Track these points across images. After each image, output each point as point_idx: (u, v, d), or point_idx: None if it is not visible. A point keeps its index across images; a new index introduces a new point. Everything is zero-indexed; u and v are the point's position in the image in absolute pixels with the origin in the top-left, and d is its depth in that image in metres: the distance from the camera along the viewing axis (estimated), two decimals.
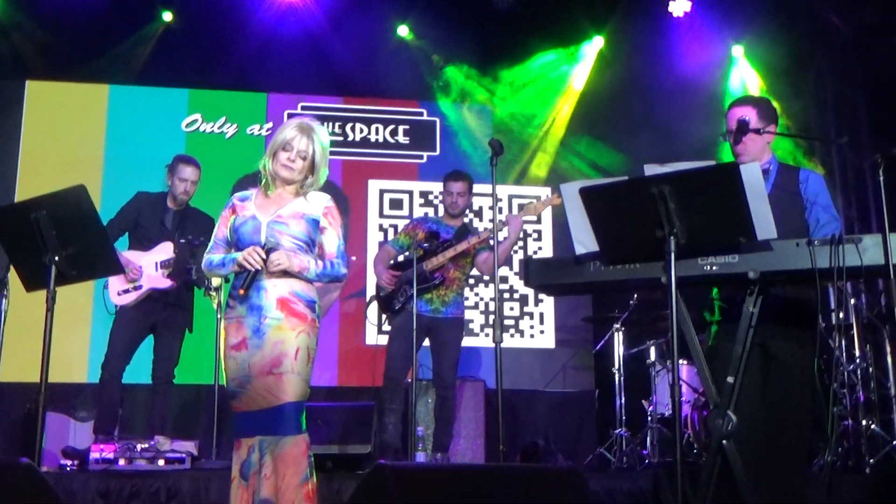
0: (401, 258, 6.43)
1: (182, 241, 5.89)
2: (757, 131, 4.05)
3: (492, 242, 6.02)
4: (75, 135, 8.13)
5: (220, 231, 4.06)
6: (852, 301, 6.55)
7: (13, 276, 4.96)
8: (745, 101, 4.30)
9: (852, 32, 8.13)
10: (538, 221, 8.58)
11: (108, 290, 6.02)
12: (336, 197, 4.18)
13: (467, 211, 8.35)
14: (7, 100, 8.14)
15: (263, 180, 4.04)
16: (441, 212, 6.64)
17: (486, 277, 8.17)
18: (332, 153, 8.37)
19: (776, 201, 3.60)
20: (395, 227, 8.10)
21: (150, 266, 5.98)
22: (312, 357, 3.89)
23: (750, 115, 4.11)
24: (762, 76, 8.55)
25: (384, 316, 6.34)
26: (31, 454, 3.69)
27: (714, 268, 3.63)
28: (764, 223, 3.48)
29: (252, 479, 3.76)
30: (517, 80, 8.67)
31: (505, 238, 5.98)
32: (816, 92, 8.44)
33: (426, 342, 6.20)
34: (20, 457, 3.47)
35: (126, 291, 5.98)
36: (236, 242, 3.97)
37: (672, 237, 3.43)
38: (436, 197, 8.34)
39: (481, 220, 8.42)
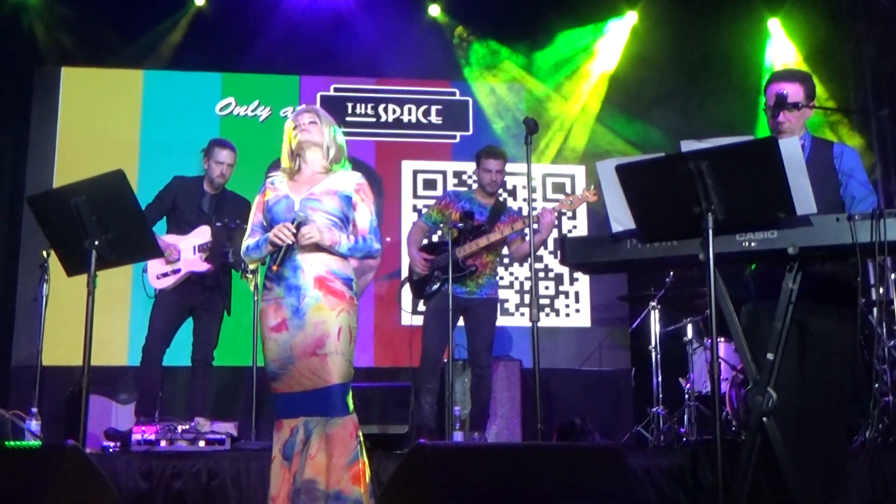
0: (435, 238, 6.43)
1: (218, 223, 5.94)
2: (796, 105, 3.99)
3: (526, 231, 6.02)
4: (111, 120, 8.20)
5: (256, 217, 4.09)
6: (892, 276, 6.47)
7: (53, 262, 5.05)
8: (790, 76, 4.21)
9: (891, 4, 7.99)
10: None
11: (147, 273, 6.09)
12: (369, 178, 4.19)
13: (502, 190, 8.38)
14: (43, 86, 8.22)
15: (290, 169, 4.07)
16: (474, 187, 6.62)
17: None
18: (364, 134, 8.48)
19: (811, 176, 3.56)
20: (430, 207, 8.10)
21: (188, 250, 6.04)
22: (354, 336, 3.91)
23: (795, 90, 4.05)
24: (799, 49, 8.42)
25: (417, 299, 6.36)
26: (75, 436, 3.74)
27: (753, 244, 3.60)
28: (803, 198, 3.45)
29: (295, 460, 3.79)
30: (550, 58, 8.62)
31: (536, 232, 5.97)
32: (854, 64, 8.31)
33: (460, 322, 6.21)
34: (63, 439, 3.52)
35: (165, 275, 6.04)
36: (270, 222, 3.99)
37: (710, 213, 3.41)
38: (469, 177, 8.33)
39: (515, 199, 8.39)
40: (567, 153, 8.60)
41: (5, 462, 2.85)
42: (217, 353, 6.22)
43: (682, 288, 6.98)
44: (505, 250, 6.45)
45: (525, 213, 6.45)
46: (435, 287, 6.12)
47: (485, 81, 8.63)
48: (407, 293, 6.63)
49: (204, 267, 6.03)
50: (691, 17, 8.37)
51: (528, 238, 6.07)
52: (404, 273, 6.86)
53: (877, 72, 8.22)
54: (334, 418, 3.78)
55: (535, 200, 5.78)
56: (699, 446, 6.19)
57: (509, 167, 7.73)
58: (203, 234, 6.04)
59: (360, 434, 3.88)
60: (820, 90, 7.01)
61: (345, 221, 3.99)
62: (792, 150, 3.49)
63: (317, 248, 3.88)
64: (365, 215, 4.04)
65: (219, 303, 6.17)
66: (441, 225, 6.31)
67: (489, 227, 6.07)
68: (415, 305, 6.44)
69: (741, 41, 8.46)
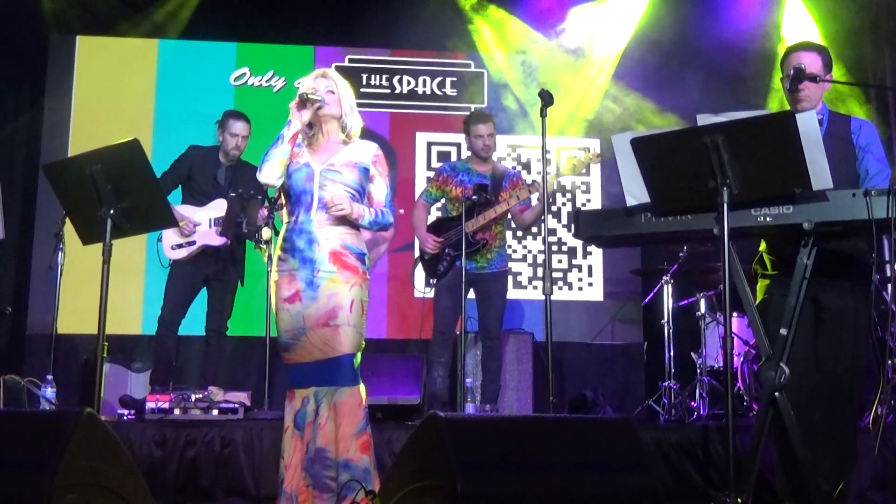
0: (437, 212, 6.41)
1: (233, 193, 5.94)
2: (814, 78, 3.96)
3: (533, 197, 6.02)
4: (126, 89, 8.19)
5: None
6: None
7: (68, 230, 5.07)
8: (808, 47, 4.17)
9: None
10: (587, 173, 8.51)
11: (162, 243, 6.11)
12: (384, 149, 4.21)
13: (518, 165, 8.36)
14: (59, 55, 8.22)
15: (305, 139, 4.06)
16: (464, 155, 6.59)
17: (535, 230, 8.14)
18: (379, 105, 8.45)
19: (829, 150, 3.55)
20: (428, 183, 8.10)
21: (204, 223, 6.06)
22: (365, 309, 3.95)
23: (814, 61, 4.01)
24: (817, 23, 8.33)
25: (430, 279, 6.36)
26: (90, 403, 3.77)
27: (768, 219, 3.59)
28: (820, 173, 3.44)
29: (307, 429, 3.83)
30: (566, 30, 8.55)
31: (535, 205, 6.02)
32: (874, 38, 8.22)
33: (471, 294, 6.21)
34: (79, 406, 3.55)
35: (180, 246, 6.07)
36: (289, 188, 4.01)
37: (725, 188, 3.40)
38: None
39: (529, 172, 8.37)
40: (582, 126, 8.55)
41: (21, 428, 2.87)
42: (231, 322, 6.26)
43: (695, 262, 6.97)
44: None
45: (523, 175, 6.47)
46: (446, 264, 6.10)
47: (500, 53, 8.58)
48: (420, 272, 6.61)
49: (219, 241, 6.04)
50: None
51: (532, 205, 6.08)
52: (417, 247, 6.86)
53: (895, 45, 8.14)
54: (343, 388, 3.82)
55: (549, 174, 5.74)
56: (710, 420, 6.22)
57: (524, 140, 7.69)
58: (220, 207, 6.04)
59: (367, 405, 3.91)
60: (837, 64, 6.95)
61: (361, 194, 4.02)
62: (809, 124, 3.47)
63: (336, 220, 3.90)
64: (381, 188, 4.07)
65: (232, 273, 6.19)
66: (445, 201, 6.30)
67: (494, 197, 6.05)
68: (427, 282, 6.43)
69: (759, 14, 8.37)
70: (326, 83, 4.08)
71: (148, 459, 4.81)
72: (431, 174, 8.19)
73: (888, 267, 6.27)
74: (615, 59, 8.61)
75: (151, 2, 8.19)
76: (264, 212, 5.89)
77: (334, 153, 4.02)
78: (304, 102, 3.96)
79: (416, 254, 6.56)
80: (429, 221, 6.37)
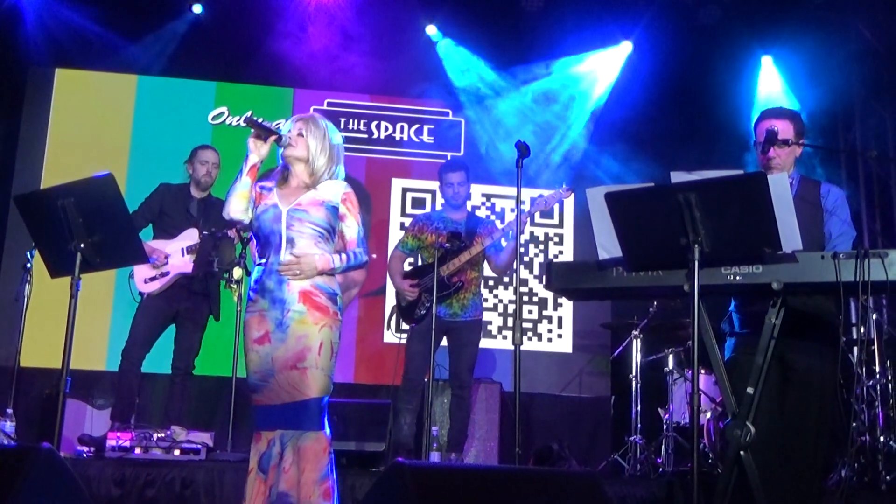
0: (410, 263, 6.41)
1: (206, 232, 5.92)
2: (786, 142, 4.03)
3: (503, 242, 6.04)
4: (102, 124, 8.19)
5: None
6: (874, 316, 6.51)
7: (37, 262, 5.02)
8: (780, 113, 4.25)
9: (884, 46, 8.06)
10: (560, 225, 8.56)
11: (134, 278, 6.05)
12: (359, 194, 4.20)
13: (491, 214, 8.40)
14: (36, 87, 8.21)
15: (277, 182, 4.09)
16: (439, 203, 6.62)
17: (506, 279, 8.17)
18: (356, 150, 8.47)
19: (798, 213, 3.59)
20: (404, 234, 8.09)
21: (176, 253, 6.03)
22: (335, 351, 3.90)
23: (787, 129, 4.08)
24: (790, 87, 8.48)
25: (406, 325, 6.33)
26: (49, 439, 3.71)
27: (737, 277, 3.62)
28: (790, 235, 3.47)
29: (271, 472, 3.78)
30: (544, 82, 8.65)
31: (507, 245, 6.02)
32: (844, 104, 8.38)
33: (444, 342, 6.20)
34: (37, 441, 3.49)
35: (153, 279, 6.02)
36: (257, 230, 4.00)
37: (696, 245, 3.42)
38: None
39: (503, 221, 8.41)
40: (557, 178, 8.60)
41: None
42: (198, 361, 6.19)
43: (664, 318, 7.00)
44: (486, 269, 6.44)
45: (497, 223, 6.49)
46: (425, 310, 6.06)
47: (477, 103, 8.65)
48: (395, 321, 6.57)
49: (191, 267, 6.01)
50: (685, 50, 8.42)
51: (506, 247, 6.07)
52: (389, 290, 6.85)
53: (865, 112, 8.29)
54: (307, 432, 3.77)
55: (524, 223, 5.77)
56: (675, 477, 6.20)
57: (499, 190, 7.73)
58: (191, 236, 6.04)
59: (332, 450, 3.87)
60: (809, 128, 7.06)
61: (331, 232, 3.99)
62: (780, 185, 3.51)
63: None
64: (353, 226, 4.04)
65: (204, 310, 6.15)
66: (419, 250, 6.29)
67: (469, 242, 6.06)
68: (398, 327, 6.41)
69: (734, 77, 8.51)
70: (299, 126, 4.09)
71: (106, 498, 4.72)
72: (405, 220, 8.24)
73: (854, 329, 6.34)
74: (593, 114, 8.72)
75: (133, 37, 8.20)
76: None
77: (302, 194, 4.01)
78: (258, 133, 3.96)
79: (393, 301, 6.52)
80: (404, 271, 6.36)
